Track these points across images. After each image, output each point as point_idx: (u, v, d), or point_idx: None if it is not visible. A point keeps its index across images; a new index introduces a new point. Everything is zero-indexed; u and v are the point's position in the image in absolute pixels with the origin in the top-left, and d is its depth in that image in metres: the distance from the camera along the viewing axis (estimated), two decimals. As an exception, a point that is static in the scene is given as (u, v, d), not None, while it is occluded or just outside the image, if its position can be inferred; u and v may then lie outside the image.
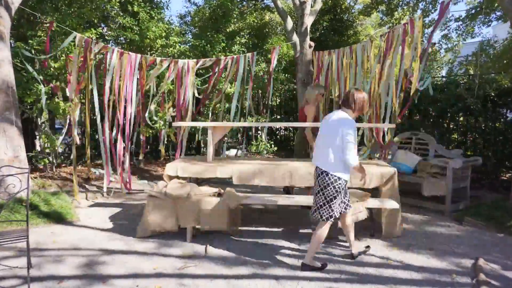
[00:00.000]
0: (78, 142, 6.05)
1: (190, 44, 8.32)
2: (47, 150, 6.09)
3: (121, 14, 7.44)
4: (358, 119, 6.46)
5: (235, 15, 8.80)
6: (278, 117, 10.05)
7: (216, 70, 6.52)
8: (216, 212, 3.61)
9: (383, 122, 5.22)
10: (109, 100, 5.52)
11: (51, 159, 6.28)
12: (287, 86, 9.87)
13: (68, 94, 5.44)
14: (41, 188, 5.44)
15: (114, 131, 5.73)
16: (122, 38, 7.73)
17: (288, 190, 4.93)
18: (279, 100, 10.34)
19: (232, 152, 8.61)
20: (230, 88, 7.11)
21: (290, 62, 9.31)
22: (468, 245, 3.66)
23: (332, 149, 2.92)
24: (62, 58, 5.75)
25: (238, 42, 8.28)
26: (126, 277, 2.94)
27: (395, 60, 5.13)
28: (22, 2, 4.83)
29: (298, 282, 2.88)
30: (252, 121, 7.42)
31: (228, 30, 8.66)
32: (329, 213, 2.99)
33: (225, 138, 8.27)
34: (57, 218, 4.29)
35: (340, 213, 3.10)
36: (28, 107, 6.13)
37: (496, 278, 2.92)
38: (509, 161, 6.13)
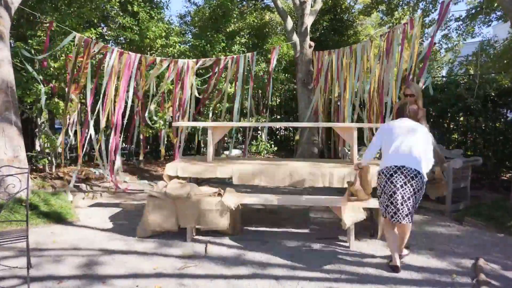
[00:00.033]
0: (74, 141, 6.05)
1: (190, 44, 8.32)
2: (47, 150, 6.09)
3: (121, 14, 7.44)
4: (358, 119, 6.51)
5: (235, 15, 8.80)
6: (278, 117, 10.04)
7: (216, 70, 6.51)
8: (216, 212, 3.60)
9: (384, 122, 5.22)
10: (107, 100, 5.52)
11: (50, 159, 6.28)
12: (287, 86, 9.86)
13: (72, 96, 5.44)
14: (41, 188, 5.44)
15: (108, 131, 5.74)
16: (122, 38, 7.73)
17: None
18: (279, 100, 10.34)
19: (234, 152, 8.60)
20: (230, 88, 7.11)
21: (290, 62, 9.31)
22: (468, 245, 3.66)
23: (421, 152, 2.94)
24: (62, 58, 5.75)
25: (238, 42, 8.28)
26: (126, 277, 2.93)
27: (395, 60, 5.13)
28: (21, 2, 4.83)
29: (298, 282, 2.87)
30: (252, 121, 7.42)
31: (228, 30, 8.66)
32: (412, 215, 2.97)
33: (225, 138, 8.27)
34: (57, 218, 4.28)
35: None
36: (28, 107, 6.13)
37: (496, 278, 2.92)
38: (509, 161, 6.12)
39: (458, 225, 4.32)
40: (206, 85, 6.99)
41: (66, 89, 5.40)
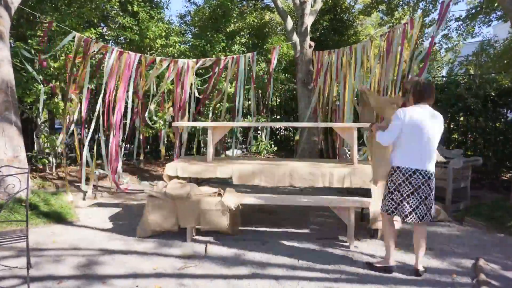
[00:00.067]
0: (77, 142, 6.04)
1: (190, 44, 8.32)
2: (47, 150, 6.08)
3: (121, 14, 7.44)
4: (358, 119, 6.50)
5: (235, 15, 8.80)
6: (278, 117, 10.04)
7: (216, 70, 6.51)
8: (216, 212, 3.60)
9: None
10: (108, 100, 5.52)
11: (50, 159, 6.28)
12: (287, 86, 9.87)
13: (72, 96, 5.44)
14: (41, 188, 5.44)
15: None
16: (122, 38, 7.74)
17: None
18: (279, 100, 10.34)
19: (236, 152, 8.60)
20: (230, 88, 7.11)
21: (290, 62, 9.31)
22: (468, 245, 3.66)
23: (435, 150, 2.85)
24: (61, 58, 5.74)
25: (238, 42, 8.28)
26: (126, 277, 2.93)
27: (395, 60, 5.12)
28: (21, 1, 4.83)
29: (298, 282, 2.87)
30: (252, 121, 7.41)
31: (228, 30, 8.66)
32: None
33: (225, 138, 8.26)
34: (57, 218, 4.28)
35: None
36: (28, 107, 6.12)
37: (496, 278, 2.91)
38: (510, 161, 6.12)
39: (458, 225, 4.32)
40: (206, 85, 6.99)
41: (66, 89, 5.40)
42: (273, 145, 8.26)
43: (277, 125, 9.74)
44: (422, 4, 10.17)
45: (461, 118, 6.58)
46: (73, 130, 5.81)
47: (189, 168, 3.97)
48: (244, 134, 8.96)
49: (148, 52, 7.50)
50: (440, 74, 15.52)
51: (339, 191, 5.54)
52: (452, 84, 6.49)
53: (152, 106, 6.40)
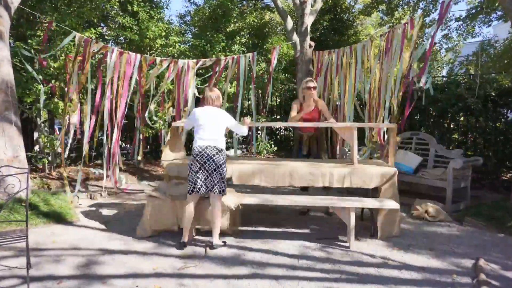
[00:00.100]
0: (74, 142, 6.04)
1: (190, 43, 8.32)
2: (47, 150, 6.08)
3: (121, 13, 7.44)
4: (358, 119, 6.50)
5: (235, 15, 8.80)
6: (278, 117, 10.04)
7: (217, 70, 6.51)
8: (216, 212, 3.59)
9: (384, 121, 5.22)
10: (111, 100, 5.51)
11: (50, 159, 6.28)
12: (287, 86, 9.86)
13: (71, 95, 5.43)
14: (41, 188, 5.43)
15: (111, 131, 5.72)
16: (121, 38, 7.73)
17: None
18: (279, 100, 10.34)
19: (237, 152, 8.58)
20: (230, 88, 7.11)
21: (290, 62, 9.30)
22: (468, 245, 3.65)
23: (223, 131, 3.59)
24: (61, 58, 5.74)
25: (238, 41, 8.28)
26: (126, 277, 2.93)
27: (395, 60, 5.12)
28: (21, 1, 4.83)
29: (298, 282, 2.87)
30: (252, 121, 7.41)
31: (228, 29, 8.66)
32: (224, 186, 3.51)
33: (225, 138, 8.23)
34: (57, 218, 4.28)
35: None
36: (28, 107, 6.12)
37: (496, 278, 2.91)
38: (510, 161, 6.12)
39: (458, 225, 4.31)
40: (206, 85, 6.98)
41: (66, 89, 5.40)
42: (273, 145, 8.26)
43: (277, 125, 9.74)
44: (422, 4, 10.17)
45: (461, 118, 6.57)
46: (75, 131, 5.81)
47: (189, 168, 3.96)
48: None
49: (148, 52, 7.50)
50: (440, 74, 15.51)
51: (339, 191, 5.54)
52: (453, 84, 6.48)
53: (152, 106, 6.40)
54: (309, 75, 6.96)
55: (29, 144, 6.44)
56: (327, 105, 7.05)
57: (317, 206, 4.25)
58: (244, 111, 8.35)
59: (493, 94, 5.91)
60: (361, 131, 6.03)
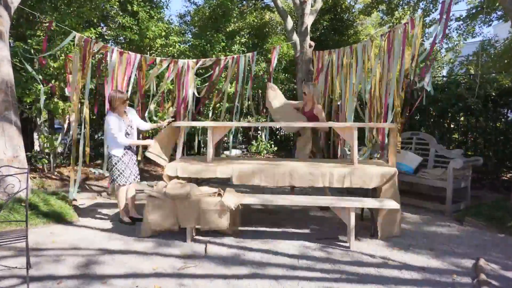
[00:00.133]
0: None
1: (190, 43, 8.31)
2: (46, 150, 6.08)
3: (121, 13, 7.43)
4: (359, 119, 6.50)
5: (235, 15, 8.79)
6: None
7: (217, 69, 6.50)
8: (216, 212, 3.60)
9: (386, 121, 5.21)
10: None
11: (50, 159, 6.28)
12: (287, 86, 9.85)
13: (68, 94, 5.43)
14: (40, 188, 5.43)
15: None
16: (121, 38, 7.73)
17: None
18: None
19: (234, 152, 8.60)
20: (230, 88, 7.10)
21: (290, 61, 9.29)
22: (468, 245, 3.65)
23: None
24: (61, 57, 5.74)
25: (238, 41, 8.27)
26: (126, 277, 2.93)
27: (396, 60, 5.11)
28: (21, 1, 4.82)
29: (298, 282, 2.87)
30: (252, 121, 7.41)
31: (228, 29, 8.65)
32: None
33: (225, 138, 8.24)
34: (57, 218, 4.28)
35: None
36: (27, 106, 6.12)
37: (496, 278, 2.91)
38: (510, 161, 6.11)
39: (459, 225, 4.31)
40: (206, 85, 6.98)
41: (68, 89, 5.39)
42: (273, 145, 8.26)
43: (277, 125, 9.73)
44: (423, 4, 10.16)
45: (462, 118, 6.56)
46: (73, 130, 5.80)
47: (189, 168, 3.97)
48: (244, 134, 8.96)
49: (148, 52, 7.50)
50: (440, 74, 15.51)
51: (339, 191, 5.53)
52: (453, 84, 6.47)
53: (152, 106, 6.39)
54: (309, 75, 6.96)
55: (28, 144, 6.44)
56: (328, 105, 7.06)
57: (317, 206, 4.25)
58: (244, 111, 8.33)
59: (493, 94, 5.90)
60: (361, 131, 6.03)
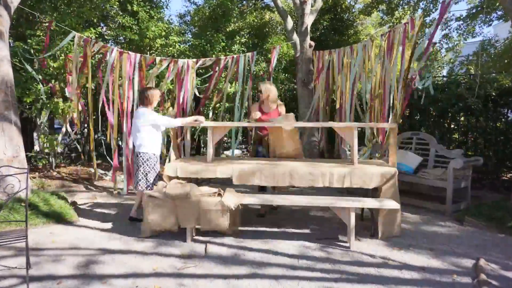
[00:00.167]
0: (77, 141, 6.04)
1: (190, 43, 8.31)
2: (46, 150, 6.08)
3: (121, 13, 7.43)
4: (360, 119, 6.49)
5: (235, 15, 8.79)
6: (278, 117, 10.01)
7: (217, 69, 6.50)
8: (216, 212, 3.59)
9: (387, 121, 5.22)
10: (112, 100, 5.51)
11: (50, 159, 6.28)
12: (287, 86, 9.85)
13: (67, 94, 5.43)
14: (40, 188, 5.43)
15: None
16: (121, 38, 7.73)
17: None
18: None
19: (234, 152, 8.57)
20: (230, 88, 7.10)
21: (290, 61, 9.29)
22: (468, 246, 3.65)
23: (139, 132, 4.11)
24: (61, 57, 5.74)
25: (238, 41, 8.26)
26: (126, 277, 2.93)
27: (397, 60, 5.11)
28: (21, 1, 4.82)
29: (298, 282, 2.87)
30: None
31: (228, 29, 8.64)
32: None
33: (225, 138, 8.23)
34: (57, 218, 4.28)
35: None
36: (27, 106, 6.12)
37: (496, 278, 2.91)
38: (510, 161, 6.11)
39: (459, 225, 4.31)
40: (206, 85, 6.98)
41: (68, 90, 5.39)
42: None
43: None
44: (423, 4, 10.15)
45: (462, 118, 6.56)
46: (83, 130, 5.82)
47: (189, 168, 3.97)
48: (244, 134, 8.95)
49: (148, 52, 7.49)
50: (440, 74, 15.50)
51: (339, 191, 5.53)
52: (453, 84, 6.47)
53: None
54: (309, 75, 6.96)
55: (28, 144, 6.44)
56: (329, 105, 7.06)
57: (317, 206, 4.24)
58: (244, 111, 8.32)
59: (494, 94, 5.90)
60: (361, 131, 6.03)
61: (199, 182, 4.53)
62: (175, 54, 7.62)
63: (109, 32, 7.97)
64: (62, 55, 5.70)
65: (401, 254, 3.41)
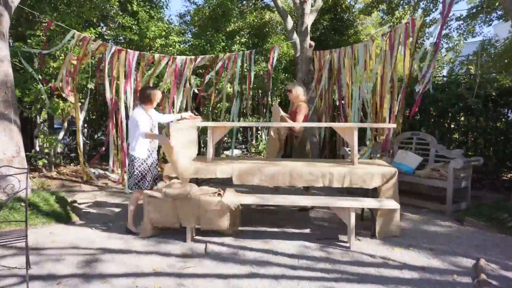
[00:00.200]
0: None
1: (190, 43, 8.31)
2: (46, 150, 6.08)
3: (120, 13, 7.43)
4: (360, 119, 6.49)
5: (235, 15, 8.79)
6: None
7: (216, 68, 6.50)
8: (216, 212, 3.59)
9: (388, 121, 5.22)
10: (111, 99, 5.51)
11: (50, 159, 6.27)
12: (287, 85, 9.85)
13: (64, 95, 5.43)
14: (40, 188, 5.43)
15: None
16: (121, 38, 7.72)
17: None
18: (279, 100, 10.32)
19: (234, 152, 8.58)
20: (230, 88, 7.10)
21: (290, 61, 9.28)
22: (469, 246, 3.65)
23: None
24: (61, 57, 5.73)
25: (238, 41, 8.26)
26: (126, 277, 2.93)
27: (397, 60, 5.11)
28: (21, 1, 4.82)
29: (298, 282, 2.86)
30: (252, 121, 7.40)
31: (228, 29, 8.64)
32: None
33: (225, 138, 8.23)
34: (57, 218, 4.28)
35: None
36: (27, 106, 6.12)
37: (497, 278, 2.91)
38: (510, 161, 6.10)
39: (459, 225, 4.31)
40: (202, 82, 6.97)
41: (66, 90, 5.39)
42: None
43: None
44: (423, 4, 10.15)
45: (462, 118, 6.55)
46: (73, 130, 5.82)
47: (189, 168, 3.96)
48: (244, 134, 8.95)
49: (148, 52, 7.49)
50: (440, 73, 15.49)
51: (339, 191, 5.53)
52: (453, 84, 6.46)
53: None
54: (310, 75, 6.95)
55: (28, 144, 6.44)
56: (329, 105, 7.06)
57: (318, 206, 4.24)
58: (244, 111, 8.33)
59: (494, 94, 5.90)
60: (361, 131, 6.02)
61: (199, 182, 4.53)
62: (175, 54, 7.61)
63: (109, 32, 7.97)
64: (62, 55, 5.70)
65: (401, 254, 3.41)
